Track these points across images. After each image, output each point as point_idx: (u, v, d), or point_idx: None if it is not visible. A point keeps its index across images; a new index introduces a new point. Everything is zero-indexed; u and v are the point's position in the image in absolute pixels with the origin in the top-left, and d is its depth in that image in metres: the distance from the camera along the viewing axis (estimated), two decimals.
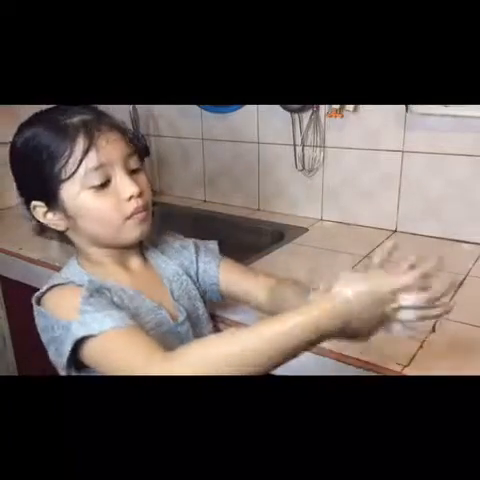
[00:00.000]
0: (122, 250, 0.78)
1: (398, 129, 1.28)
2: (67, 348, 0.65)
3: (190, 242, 0.90)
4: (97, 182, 0.70)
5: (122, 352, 0.63)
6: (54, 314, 0.68)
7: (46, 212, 0.74)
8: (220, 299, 0.90)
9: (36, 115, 0.74)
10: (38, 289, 0.73)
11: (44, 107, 0.74)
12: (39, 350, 0.72)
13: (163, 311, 0.78)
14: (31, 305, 0.72)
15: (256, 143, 1.54)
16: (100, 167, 0.70)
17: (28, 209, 0.75)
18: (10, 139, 0.73)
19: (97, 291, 0.70)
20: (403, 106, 1.23)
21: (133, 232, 0.75)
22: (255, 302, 0.85)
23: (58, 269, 0.83)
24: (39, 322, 0.71)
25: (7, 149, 0.74)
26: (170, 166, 1.76)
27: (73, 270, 0.77)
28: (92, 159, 0.69)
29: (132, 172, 0.74)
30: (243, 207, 1.61)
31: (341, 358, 0.77)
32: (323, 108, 1.38)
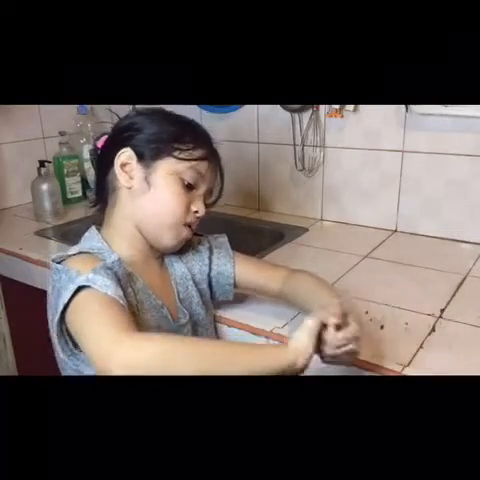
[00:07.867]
0: (151, 247, 0.82)
1: (398, 129, 1.28)
2: (67, 294, 0.66)
3: (204, 247, 0.90)
4: (189, 181, 0.78)
5: (103, 319, 0.63)
6: (69, 267, 0.70)
7: (129, 163, 0.77)
8: (231, 298, 0.92)
9: None
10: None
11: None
12: (39, 350, 0.72)
13: (165, 310, 0.79)
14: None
15: (256, 143, 1.54)
16: (200, 175, 0.79)
17: (103, 155, 0.81)
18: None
19: (115, 273, 0.71)
20: (403, 106, 1.23)
21: (173, 241, 0.80)
22: (270, 293, 0.89)
23: None
24: (51, 279, 0.72)
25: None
26: None
27: (102, 246, 0.78)
28: (202, 166, 0.79)
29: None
30: (243, 207, 1.61)
31: None
32: (323, 108, 1.38)
